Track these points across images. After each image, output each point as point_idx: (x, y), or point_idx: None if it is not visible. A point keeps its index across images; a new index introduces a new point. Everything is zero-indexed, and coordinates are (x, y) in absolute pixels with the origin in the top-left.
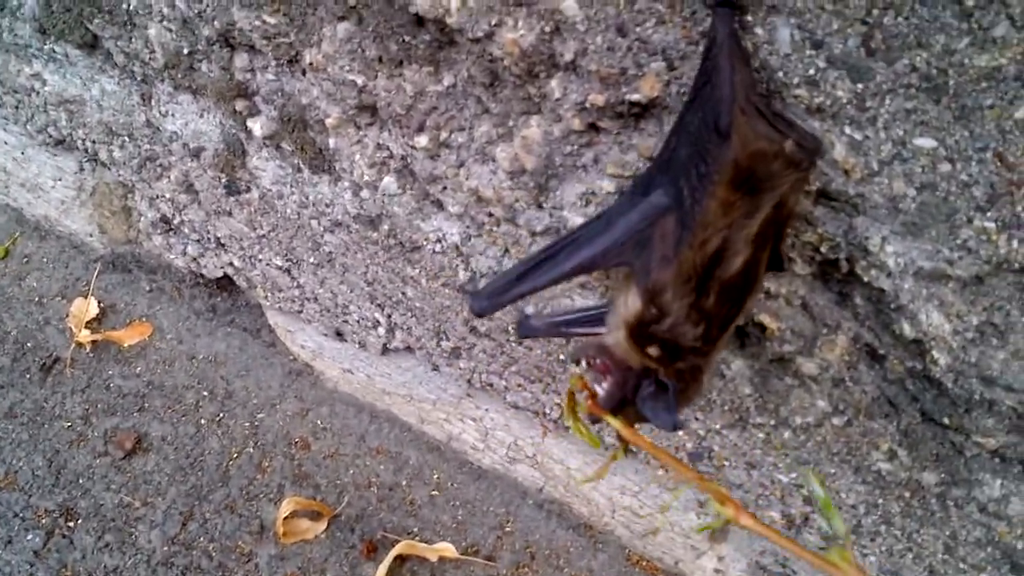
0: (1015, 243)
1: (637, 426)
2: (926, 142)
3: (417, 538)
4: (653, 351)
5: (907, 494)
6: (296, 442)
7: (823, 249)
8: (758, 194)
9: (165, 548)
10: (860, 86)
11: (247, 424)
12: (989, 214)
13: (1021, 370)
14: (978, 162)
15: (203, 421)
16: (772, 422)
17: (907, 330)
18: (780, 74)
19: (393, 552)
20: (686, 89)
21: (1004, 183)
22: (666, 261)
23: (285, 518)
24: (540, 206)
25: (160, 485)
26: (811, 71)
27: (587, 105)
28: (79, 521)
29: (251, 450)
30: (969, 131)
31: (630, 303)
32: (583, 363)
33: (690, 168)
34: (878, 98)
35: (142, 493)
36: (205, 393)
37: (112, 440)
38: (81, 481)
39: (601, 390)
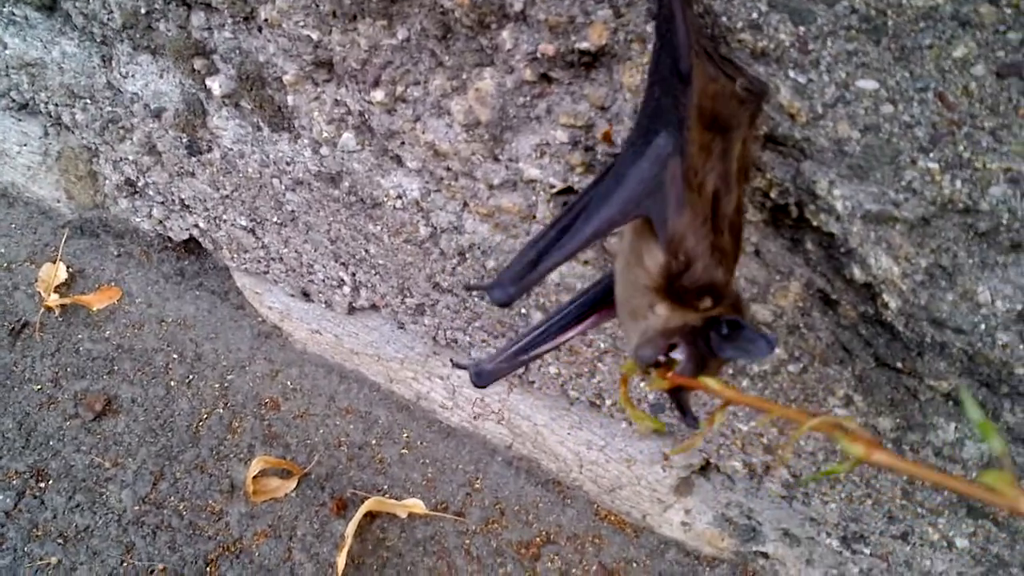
0: (958, 183)
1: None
2: (868, 84)
3: (387, 496)
4: (705, 303)
5: None
6: (266, 403)
7: (773, 194)
8: (727, 132)
9: (136, 507)
10: (802, 29)
11: (217, 385)
12: (932, 155)
13: (970, 312)
14: (919, 103)
15: (172, 383)
16: (729, 371)
17: (857, 274)
18: (724, 19)
19: (362, 509)
20: (634, 36)
21: (945, 123)
22: (680, 206)
23: (255, 477)
24: (496, 159)
25: (130, 446)
26: (754, 15)
27: (538, 55)
28: (50, 482)
29: (221, 411)
30: (909, 72)
31: (651, 267)
32: (663, 357)
33: (671, 114)
34: (820, 41)
35: (112, 454)
36: (174, 355)
37: (82, 402)
38: (51, 443)
39: (678, 356)
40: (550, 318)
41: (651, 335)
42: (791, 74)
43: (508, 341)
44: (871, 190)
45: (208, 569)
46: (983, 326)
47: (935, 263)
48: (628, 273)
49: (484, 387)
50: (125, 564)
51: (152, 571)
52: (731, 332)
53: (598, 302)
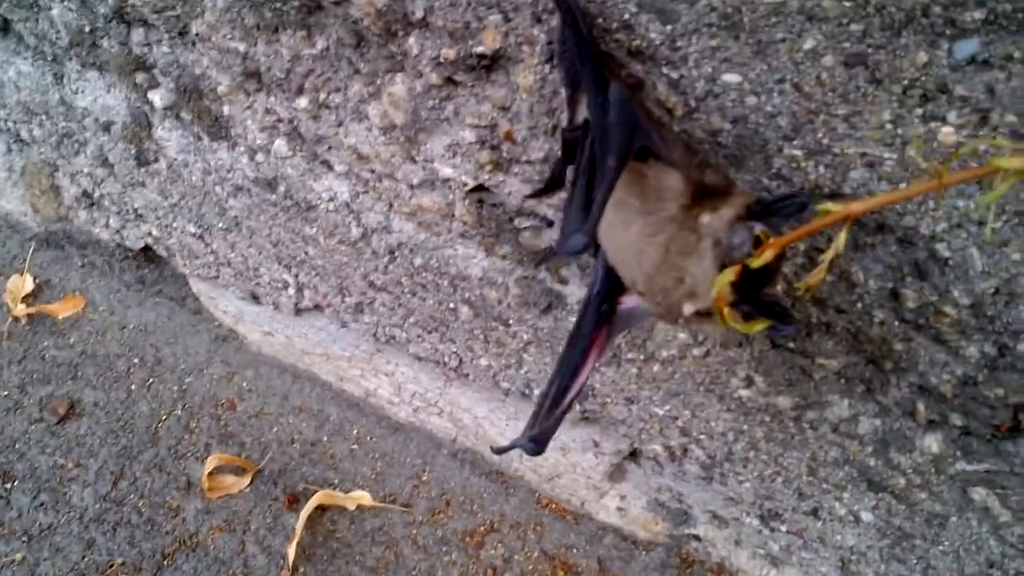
0: (821, 168)
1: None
2: (732, 77)
3: (338, 489)
4: (735, 190)
5: (767, 419)
6: (222, 403)
7: None
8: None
9: (97, 505)
10: (669, 27)
11: (175, 388)
12: (795, 142)
13: (847, 291)
14: (779, 93)
15: (133, 387)
16: (642, 357)
17: None
18: (600, 19)
19: (312, 502)
20: (523, 39)
21: (804, 112)
22: (660, 136)
23: (210, 474)
24: (413, 160)
25: (92, 447)
26: (626, 16)
27: (441, 60)
28: (15, 483)
29: (179, 412)
30: (767, 64)
31: (674, 185)
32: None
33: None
34: (686, 38)
35: (75, 455)
36: (135, 360)
37: (47, 407)
38: (17, 446)
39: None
40: (559, 367)
41: (725, 229)
42: (664, 70)
43: (536, 404)
44: (747, 178)
45: (165, 563)
46: (859, 304)
47: (812, 246)
48: (652, 222)
49: (543, 451)
50: (86, 559)
51: (111, 565)
52: (766, 208)
53: (592, 331)
